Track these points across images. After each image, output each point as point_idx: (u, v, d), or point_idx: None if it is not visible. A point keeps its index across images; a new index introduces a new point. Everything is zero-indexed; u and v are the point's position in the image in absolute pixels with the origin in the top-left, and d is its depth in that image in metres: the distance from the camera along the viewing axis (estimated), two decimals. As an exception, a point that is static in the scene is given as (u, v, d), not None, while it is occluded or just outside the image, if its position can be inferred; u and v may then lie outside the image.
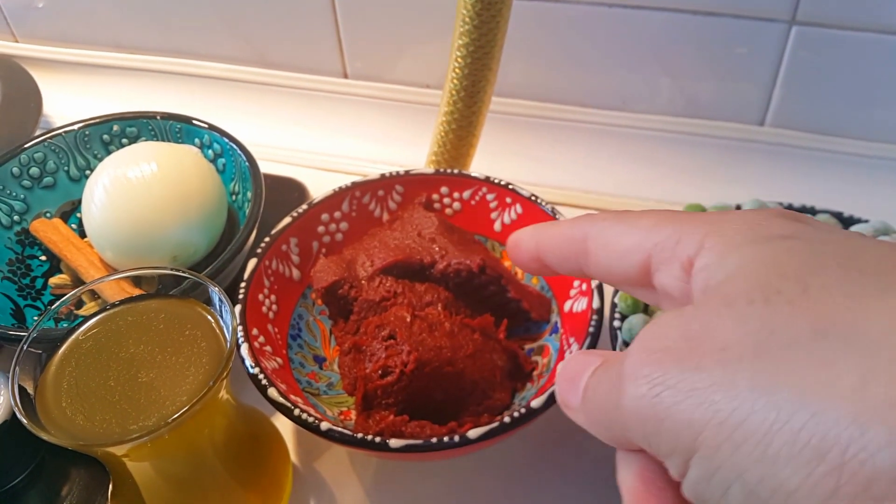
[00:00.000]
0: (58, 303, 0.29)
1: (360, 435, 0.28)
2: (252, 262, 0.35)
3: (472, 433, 0.28)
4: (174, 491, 0.28)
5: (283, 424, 0.34)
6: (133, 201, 0.37)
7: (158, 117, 0.44)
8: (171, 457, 0.27)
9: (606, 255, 0.21)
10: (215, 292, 0.28)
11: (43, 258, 0.42)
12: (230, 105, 0.56)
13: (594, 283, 0.33)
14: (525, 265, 0.25)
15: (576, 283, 0.35)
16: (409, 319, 0.32)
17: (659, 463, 0.16)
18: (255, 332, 0.33)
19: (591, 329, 0.31)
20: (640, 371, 0.16)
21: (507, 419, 0.28)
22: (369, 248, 0.37)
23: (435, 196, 0.40)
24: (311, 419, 0.29)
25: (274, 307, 0.36)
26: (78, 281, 0.41)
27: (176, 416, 0.24)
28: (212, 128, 0.43)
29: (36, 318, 0.39)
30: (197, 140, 0.44)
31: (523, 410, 0.28)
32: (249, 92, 0.57)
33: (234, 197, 0.42)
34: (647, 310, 0.33)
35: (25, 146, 0.42)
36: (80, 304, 0.36)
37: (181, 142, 0.44)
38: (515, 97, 0.51)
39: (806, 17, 0.42)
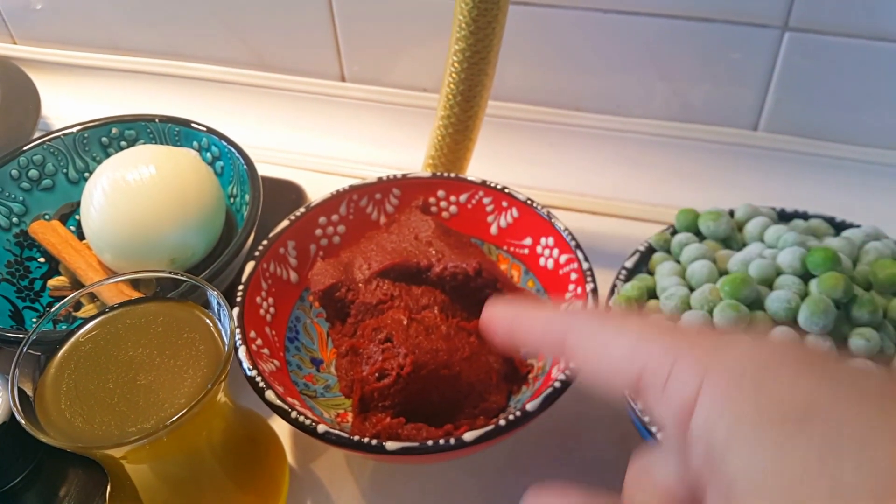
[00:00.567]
0: (57, 305, 0.29)
1: (356, 438, 0.29)
2: (250, 265, 0.36)
3: (468, 436, 0.28)
4: (172, 493, 0.29)
5: (280, 427, 0.34)
6: (132, 204, 0.38)
7: (157, 120, 0.44)
8: (170, 459, 0.27)
9: (593, 369, 0.19)
10: (213, 295, 0.28)
11: (41, 260, 0.42)
12: (228, 108, 0.57)
13: (589, 287, 0.34)
14: (497, 343, 0.23)
15: (571, 287, 0.35)
16: (405, 322, 0.33)
17: None
18: (252, 334, 0.34)
19: (585, 332, 0.32)
20: None
21: (502, 422, 0.29)
22: (366, 252, 0.37)
23: (432, 200, 0.41)
24: (308, 421, 0.29)
25: (271, 310, 0.36)
26: (76, 283, 0.41)
27: (174, 418, 0.24)
28: (210, 131, 0.43)
29: (34, 319, 0.39)
30: (195, 143, 0.44)
31: (519, 413, 0.29)
32: (247, 95, 0.57)
33: (232, 200, 0.43)
34: (640, 313, 0.33)
35: (24, 148, 0.42)
36: (78, 306, 0.37)
37: (179, 145, 0.44)
38: (512, 101, 0.51)
39: (799, 24, 0.43)
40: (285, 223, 0.38)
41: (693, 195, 0.45)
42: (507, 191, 0.39)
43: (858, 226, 0.35)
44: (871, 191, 0.46)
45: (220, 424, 0.29)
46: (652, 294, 0.34)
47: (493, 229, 0.40)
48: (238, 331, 0.33)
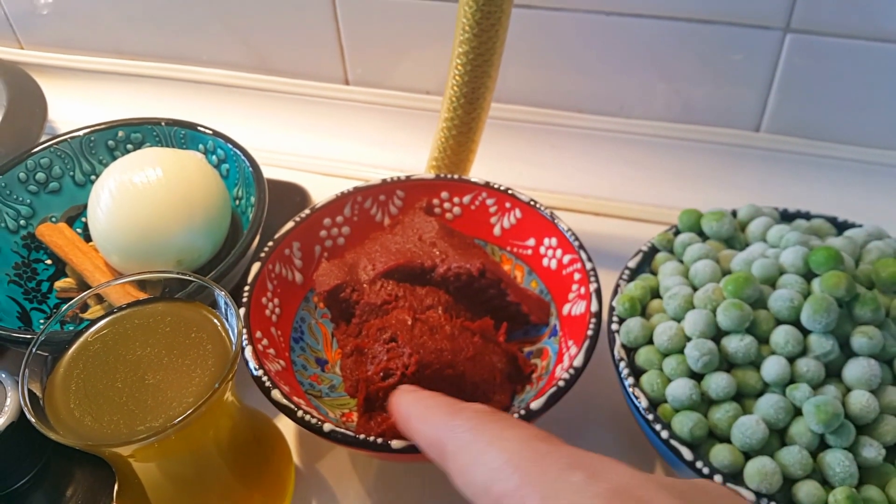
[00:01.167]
0: (65, 307, 0.29)
1: (362, 436, 0.29)
2: (255, 266, 0.36)
3: (473, 434, 0.28)
4: (179, 491, 0.29)
5: (285, 426, 0.34)
6: (138, 206, 0.38)
7: (163, 123, 0.45)
8: (177, 457, 0.28)
9: (464, 487, 0.20)
10: (221, 295, 0.28)
11: (48, 262, 0.42)
12: (233, 111, 0.57)
13: (592, 287, 0.34)
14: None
15: (574, 287, 0.36)
16: (410, 322, 0.33)
17: None
18: (258, 334, 0.34)
19: (589, 332, 0.32)
20: None
21: (506, 420, 0.29)
22: (371, 253, 0.37)
23: (435, 201, 0.41)
24: (313, 420, 0.29)
25: (277, 310, 0.36)
26: (83, 284, 0.41)
27: (183, 416, 0.24)
28: (216, 134, 0.44)
29: (42, 321, 0.39)
30: (201, 146, 0.44)
31: (523, 412, 0.29)
32: (252, 98, 0.57)
33: (237, 202, 0.43)
34: (644, 313, 0.33)
35: (32, 152, 0.43)
36: (85, 307, 0.37)
37: (185, 147, 0.44)
38: (515, 103, 0.51)
39: (800, 25, 0.43)
40: (290, 225, 0.38)
41: (695, 196, 0.45)
42: (510, 192, 0.39)
43: (860, 226, 0.35)
44: (873, 191, 0.46)
45: (227, 423, 0.29)
46: (655, 293, 0.34)
47: (497, 230, 0.40)
48: (244, 331, 0.33)
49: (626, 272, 0.35)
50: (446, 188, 0.41)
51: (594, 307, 0.33)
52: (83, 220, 0.44)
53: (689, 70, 0.47)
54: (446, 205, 0.41)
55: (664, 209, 0.47)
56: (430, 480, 0.35)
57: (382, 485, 0.35)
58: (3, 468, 0.32)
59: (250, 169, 0.41)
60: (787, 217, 0.37)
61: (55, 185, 0.44)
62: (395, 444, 0.28)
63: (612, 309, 0.33)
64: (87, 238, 0.42)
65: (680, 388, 0.29)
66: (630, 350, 0.32)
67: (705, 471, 0.28)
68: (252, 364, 0.32)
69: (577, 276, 0.35)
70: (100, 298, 0.37)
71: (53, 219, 0.43)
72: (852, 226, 0.35)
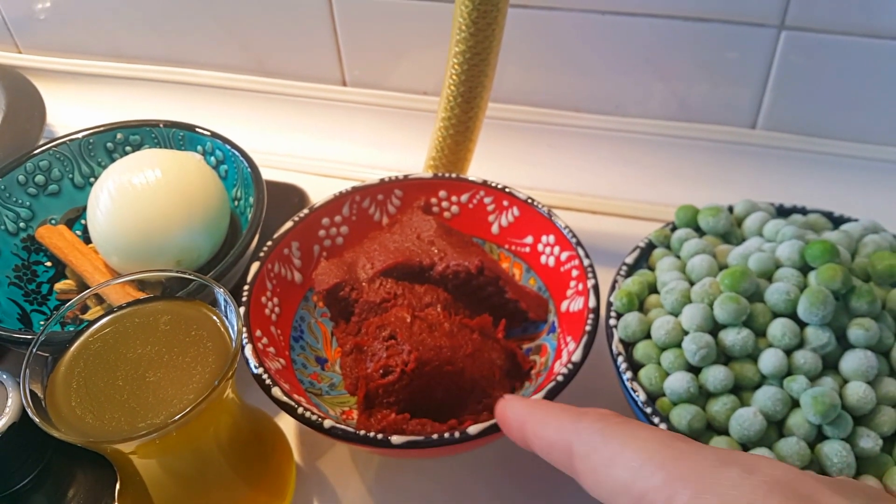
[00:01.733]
0: (65, 307, 0.29)
1: (362, 432, 0.29)
2: (255, 266, 0.36)
3: (473, 429, 0.28)
4: (180, 488, 0.29)
5: (286, 424, 0.35)
6: (138, 207, 0.38)
7: (162, 125, 0.45)
8: (178, 454, 0.28)
9: (597, 487, 0.20)
10: (221, 293, 0.29)
11: (48, 264, 0.42)
12: (231, 113, 0.57)
13: (590, 283, 0.34)
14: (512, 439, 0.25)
15: (572, 284, 0.36)
16: (409, 320, 0.33)
17: None
18: (258, 333, 0.34)
19: (587, 328, 0.32)
20: None
21: (505, 415, 0.29)
22: (369, 251, 0.38)
23: (433, 200, 0.41)
24: (314, 417, 0.30)
25: (276, 309, 0.37)
26: (83, 286, 0.41)
27: (183, 413, 0.25)
28: (214, 135, 0.44)
29: (42, 322, 0.39)
30: (199, 147, 0.44)
31: (522, 407, 0.29)
32: (250, 100, 0.58)
33: (236, 203, 0.43)
34: (642, 308, 0.34)
35: (31, 154, 0.43)
36: (85, 308, 0.37)
37: (184, 149, 0.44)
38: (511, 103, 0.52)
39: (795, 22, 0.43)
40: (289, 224, 0.38)
41: (692, 193, 0.45)
42: (507, 190, 0.40)
43: (856, 220, 0.35)
44: (869, 186, 0.46)
45: (227, 421, 0.29)
46: (652, 289, 0.34)
47: (495, 228, 0.41)
48: (244, 329, 0.33)
49: (624, 268, 0.35)
50: (444, 187, 0.41)
51: (592, 303, 0.33)
52: (83, 221, 0.44)
53: (685, 68, 0.47)
54: (444, 203, 0.41)
55: (661, 206, 0.47)
56: (430, 477, 0.35)
57: (383, 482, 0.35)
58: (4, 469, 0.32)
59: (249, 170, 0.42)
60: (783, 212, 0.37)
61: (54, 188, 0.44)
62: (396, 439, 0.29)
63: (609, 304, 0.34)
64: (87, 240, 0.42)
65: (678, 382, 0.30)
66: (628, 345, 0.32)
67: (704, 463, 0.28)
68: (252, 362, 0.32)
69: (574, 273, 0.36)
70: (99, 299, 0.38)
71: (53, 221, 0.44)
72: (848, 220, 0.36)
